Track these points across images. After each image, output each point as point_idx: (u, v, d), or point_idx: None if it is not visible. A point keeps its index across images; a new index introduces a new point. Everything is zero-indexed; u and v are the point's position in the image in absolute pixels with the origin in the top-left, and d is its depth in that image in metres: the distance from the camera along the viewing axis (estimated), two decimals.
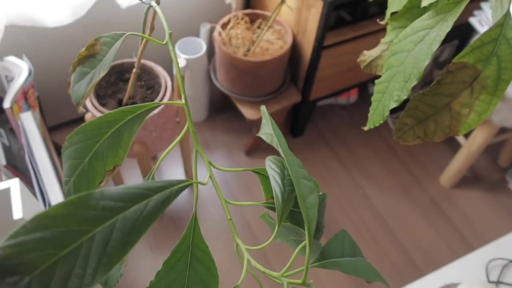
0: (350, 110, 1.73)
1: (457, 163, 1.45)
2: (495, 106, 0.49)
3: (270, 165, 0.44)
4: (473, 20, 1.32)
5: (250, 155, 1.54)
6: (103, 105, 1.04)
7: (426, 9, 0.53)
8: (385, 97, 0.56)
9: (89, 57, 0.49)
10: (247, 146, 1.54)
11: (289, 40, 1.28)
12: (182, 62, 1.19)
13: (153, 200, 0.30)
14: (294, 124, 1.57)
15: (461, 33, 1.58)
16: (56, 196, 0.87)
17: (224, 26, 1.32)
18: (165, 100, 1.05)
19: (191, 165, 1.43)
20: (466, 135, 1.43)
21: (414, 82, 0.52)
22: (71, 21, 1.14)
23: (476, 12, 1.33)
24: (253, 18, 1.37)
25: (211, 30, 1.49)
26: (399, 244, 1.38)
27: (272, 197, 0.43)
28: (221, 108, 1.64)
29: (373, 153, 1.60)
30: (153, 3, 0.52)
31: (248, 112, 1.38)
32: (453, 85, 0.51)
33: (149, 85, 1.10)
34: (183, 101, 0.40)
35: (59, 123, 1.51)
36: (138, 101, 1.07)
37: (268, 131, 0.45)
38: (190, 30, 1.50)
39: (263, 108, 0.46)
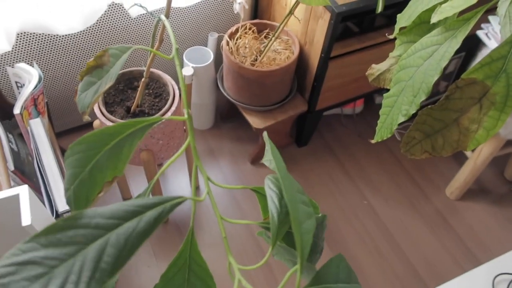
0: (355, 120, 1.73)
1: (463, 175, 1.45)
2: (504, 122, 0.49)
3: (269, 184, 0.43)
4: (480, 33, 1.32)
5: (256, 164, 1.55)
6: (111, 112, 1.05)
7: (435, 25, 0.54)
8: (394, 111, 0.57)
9: (97, 67, 0.50)
10: (253, 155, 1.54)
11: (296, 51, 1.29)
12: (189, 71, 1.20)
13: (145, 217, 0.31)
14: (299, 134, 1.57)
15: (468, 45, 1.59)
16: (63, 203, 0.88)
17: (232, 35, 1.33)
18: (173, 108, 1.06)
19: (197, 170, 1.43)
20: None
21: (423, 97, 0.52)
22: (82, 29, 1.15)
23: (483, 25, 1.33)
24: (260, 28, 1.38)
25: (219, 40, 1.50)
26: (403, 256, 1.37)
27: None
28: (227, 116, 1.65)
29: (379, 164, 1.60)
30: (162, 17, 0.53)
31: (254, 121, 1.38)
32: (462, 101, 0.51)
33: (157, 93, 1.11)
34: (186, 115, 0.41)
35: (67, 129, 1.52)
36: (146, 109, 1.08)
37: (269, 158, 0.45)
38: (198, 39, 1.52)
39: (265, 134, 0.46)
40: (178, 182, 1.48)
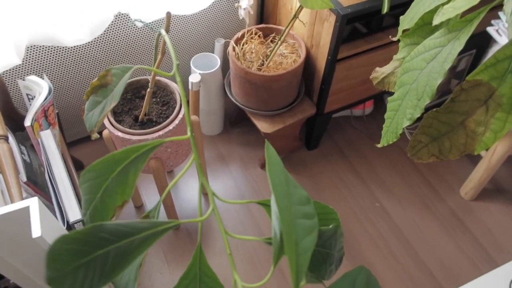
0: (365, 121, 1.71)
1: (478, 175, 1.42)
2: (511, 124, 0.48)
3: (274, 199, 0.42)
4: (490, 30, 1.29)
5: (266, 168, 1.54)
6: (119, 122, 1.06)
7: (438, 26, 0.53)
8: (398, 115, 0.56)
9: (101, 86, 0.51)
10: (263, 160, 1.54)
11: (302, 54, 1.29)
12: (196, 78, 1.21)
13: (137, 239, 0.36)
14: (309, 137, 1.56)
15: (478, 42, 1.56)
16: (74, 213, 0.89)
17: (238, 41, 1.33)
18: (180, 115, 1.06)
19: (206, 178, 1.43)
20: None
21: (427, 101, 0.52)
22: (89, 39, 1.17)
23: (493, 22, 1.31)
24: (266, 33, 1.38)
25: (226, 45, 1.51)
26: (418, 259, 1.35)
27: None
28: (236, 121, 1.65)
29: (390, 165, 1.58)
30: (163, 31, 0.53)
31: (262, 126, 1.38)
32: (468, 103, 0.50)
33: (164, 101, 1.12)
34: (189, 133, 0.41)
35: (78, 138, 1.54)
36: (154, 117, 1.08)
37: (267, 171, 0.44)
38: (205, 46, 1.52)
39: (266, 144, 0.45)
40: (189, 189, 1.49)
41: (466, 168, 1.55)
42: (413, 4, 0.57)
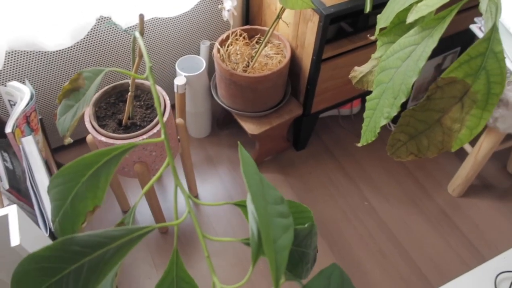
0: (353, 120, 1.71)
1: (465, 172, 1.43)
2: (486, 120, 0.48)
3: (249, 198, 0.42)
4: (473, 27, 1.30)
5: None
6: (103, 126, 1.05)
7: (413, 24, 0.53)
8: (376, 114, 0.56)
9: (73, 90, 0.50)
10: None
11: (287, 54, 1.28)
12: (182, 80, 1.20)
13: (112, 248, 0.34)
14: (297, 137, 1.56)
15: (462, 40, 1.57)
16: None
17: (223, 43, 1.33)
18: (164, 118, 1.05)
19: (193, 180, 1.42)
20: (472, 143, 1.41)
21: (403, 99, 0.51)
22: (71, 44, 1.15)
23: (476, 19, 1.32)
24: (251, 34, 1.38)
25: (211, 47, 1.50)
26: (408, 257, 1.35)
27: None
28: (224, 123, 1.64)
29: (378, 163, 1.58)
30: (137, 34, 0.52)
31: (249, 127, 1.37)
32: (443, 100, 0.50)
33: (148, 104, 1.11)
34: (163, 136, 0.41)
35: (63, 144, 1.52)
36: (137, 121, 1.07)
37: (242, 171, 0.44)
38: (190, 48, 1.52)
39: (239, 145, 0.45)
40: (179, 192, 1.48)
41: (454, 165, 1.56)
42: (389, 2, 0.57)
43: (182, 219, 0.44)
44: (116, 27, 1.28)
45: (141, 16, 0.62)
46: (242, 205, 0.48)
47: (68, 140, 0.51)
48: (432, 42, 0.47)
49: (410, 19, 0.48)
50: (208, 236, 0.44)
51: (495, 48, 0.44)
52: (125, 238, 0.36)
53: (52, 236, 0.87)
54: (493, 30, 0.44)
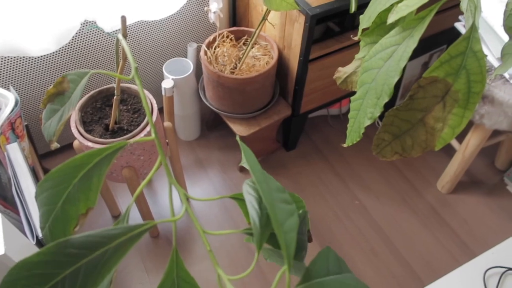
0: (342, 120, 1.72)
1: (453, 168, 1.44)
2: (468, 119, 0.48)
3: (247, 189, 0.43)
4: (458, 25, 1.32)
5: (244, 171, 1.53)
6: (89, 131, 1.04)
7: (394, 25, 0.53)
8: (360, 114, 0.56)
9: (58, 94, 0.49)
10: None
11: (275, 56, 1.28)
12: (169, 83, 1.19)
13: (111, 248, 0.33)
14: (286, 138, 1.56)
15: (448, 38, 1.58)
16: None
17: (209, 45, 1.33)
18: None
19: (183, 183, 1.42)
20: (460, 140, 1.42)
21: (386, 99, 0.52)
22: (56, 49, 1.14)
23: (461, 17, 1.33)
24: (238, 36, 1.38)
25: (198, 50, 1.49)
26: (398, 254, 1.36)
27: None
28: (213, 125, 1.64)
29: (368, 162, 1.59)
30: (120, 36, 0.52)
31: (238, 129, 1.37)
32: (426, 100, 0.50)
33: (135, 108, 1.10)
34: (153, 135, 0.40)
35: (50, 150, 1.50)
36: (124, 125, 1.06)
37: (244, 160, 0.45)
38: (177, 51, 1.51)
39: (238, 138, 0.46)
40: (166, 194, 1.47)
41: (442, 162, 1.58)
42: (370, 3, 0.57)
43: (180, 216, 0.43)
44: (99, 30, 1.27)
45: (123, 18, 0.61)
46: (238, 198, 0.48)
47: (55, 145, 0.50)
48: (412, 42, 0.47)
49: (390, 19, 0.49)
50: (208, 231, 0.44)
51: (474, 47, 0.44)
52: (125, 236, 0.34)
53: (39, 244, 0.86)
54: (472, 29, 0.44)
